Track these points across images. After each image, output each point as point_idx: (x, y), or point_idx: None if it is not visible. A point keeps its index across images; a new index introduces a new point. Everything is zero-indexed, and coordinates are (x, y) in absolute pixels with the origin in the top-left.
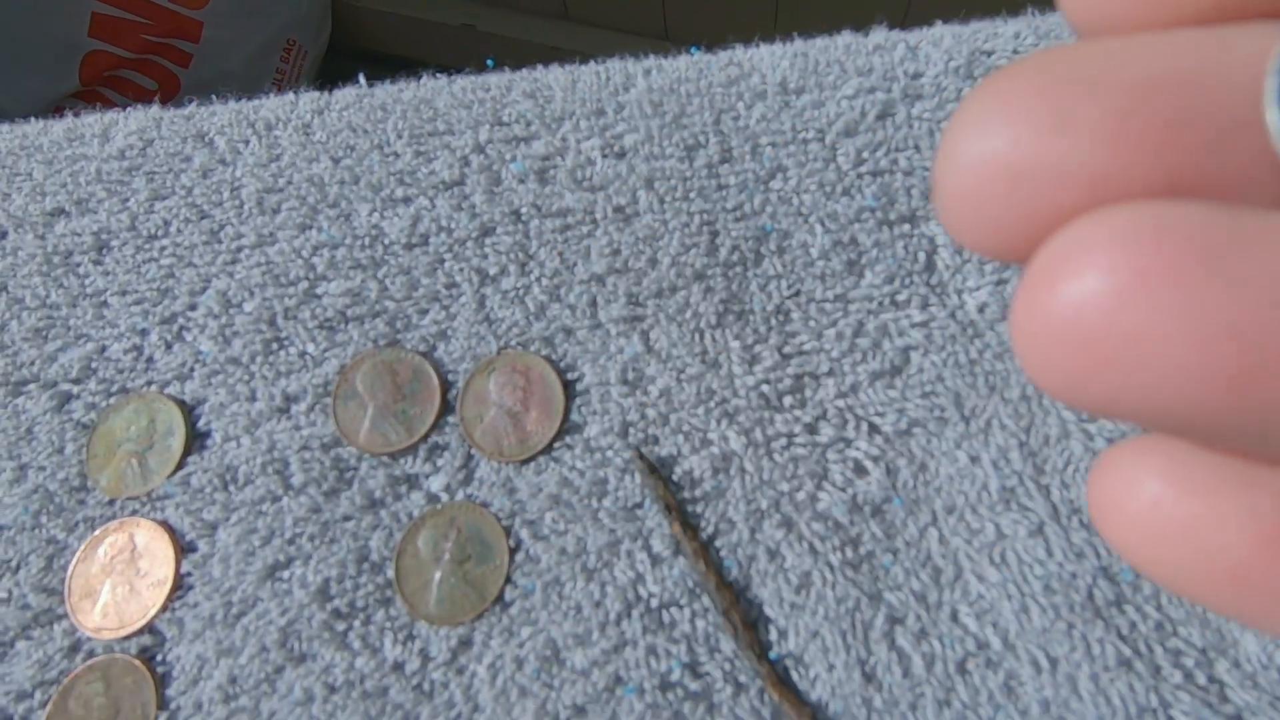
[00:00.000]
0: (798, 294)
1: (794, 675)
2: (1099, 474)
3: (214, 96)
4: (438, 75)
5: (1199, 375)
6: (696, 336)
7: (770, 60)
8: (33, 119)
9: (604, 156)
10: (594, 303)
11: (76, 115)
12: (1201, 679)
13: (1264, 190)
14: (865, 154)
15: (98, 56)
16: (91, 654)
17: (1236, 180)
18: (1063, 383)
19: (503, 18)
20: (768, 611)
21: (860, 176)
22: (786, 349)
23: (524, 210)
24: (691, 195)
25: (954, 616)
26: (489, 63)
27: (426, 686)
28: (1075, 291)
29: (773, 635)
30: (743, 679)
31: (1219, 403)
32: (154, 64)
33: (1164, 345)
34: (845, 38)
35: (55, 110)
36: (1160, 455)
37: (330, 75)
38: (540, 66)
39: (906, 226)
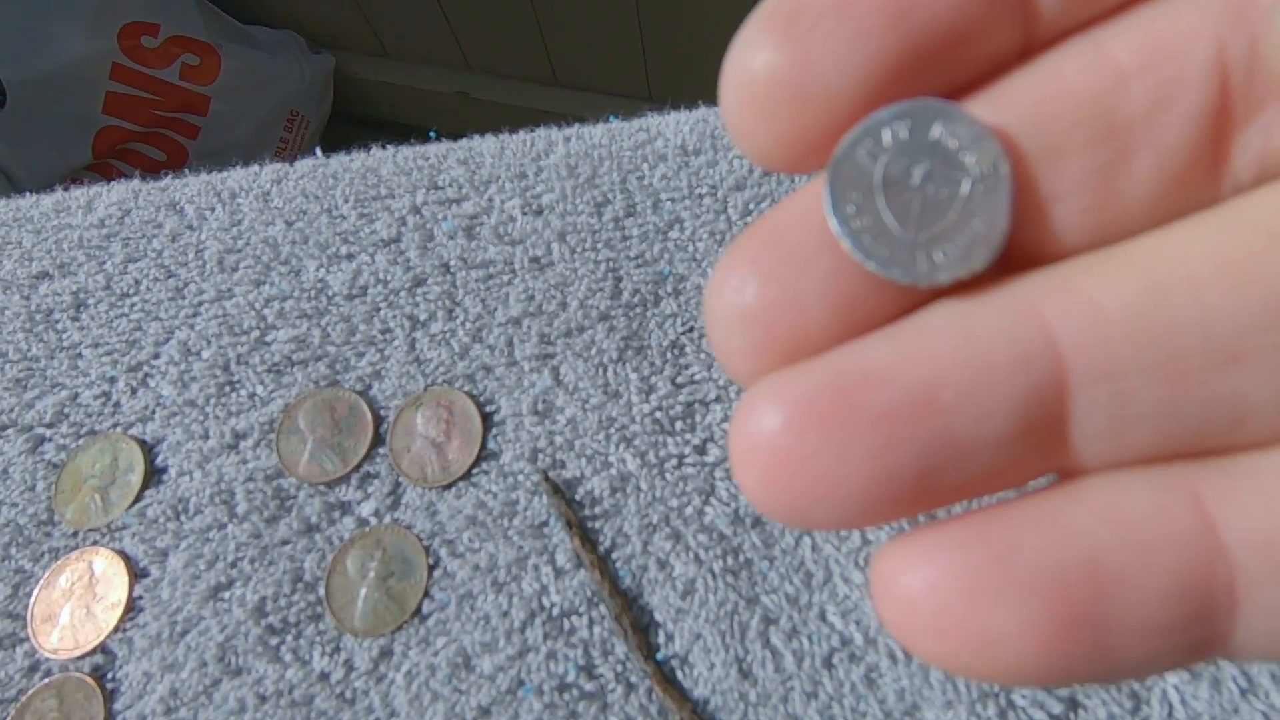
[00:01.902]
0: (691, 330)
1: (679, 674)
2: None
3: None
4: (386, 146)
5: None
6: (600, 370)
7: (674, 126)
8: (28, 193)
9: (523, 214)
10: (511, 343)
11: (66, 189)
12: None
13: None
14: (751, 205)
15: (111, 131)
16: (49, 673)
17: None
18: (758, 498)
19: (494, 85)
20: (657, 616)
21: (747, 225)
22: (679, 379)
23: (452, 263)
24: (599, 246)
25: (822, 616)
26: (431, 134)
27: (349, 694)
28: (752, 429)
29: (660, 638)
30: (633, 679)
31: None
32: (163, 137)
33: (811, 471)
34: None
35: (69, 182)
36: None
37: (332, 141)
38: (477, 136)
39: None
